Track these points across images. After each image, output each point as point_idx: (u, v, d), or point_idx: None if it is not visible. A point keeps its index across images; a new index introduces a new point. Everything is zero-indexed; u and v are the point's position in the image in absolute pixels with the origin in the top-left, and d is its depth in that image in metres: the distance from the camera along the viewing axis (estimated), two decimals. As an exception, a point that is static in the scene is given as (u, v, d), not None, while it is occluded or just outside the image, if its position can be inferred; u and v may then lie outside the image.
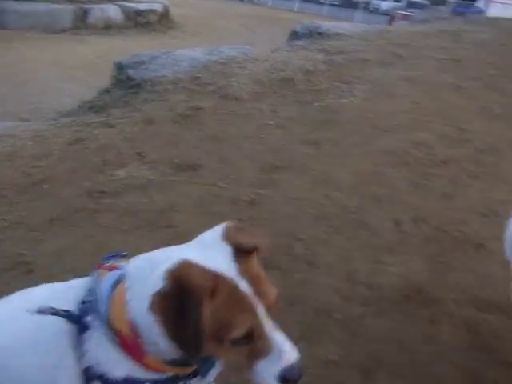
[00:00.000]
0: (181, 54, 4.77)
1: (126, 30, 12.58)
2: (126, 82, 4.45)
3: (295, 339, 0.97)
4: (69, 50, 9.49)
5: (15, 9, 11.46)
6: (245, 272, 0.91)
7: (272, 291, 0.94)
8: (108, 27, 12.51)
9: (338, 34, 6.21)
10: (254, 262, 0.95)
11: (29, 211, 2.75)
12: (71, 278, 1.10)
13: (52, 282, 1.11)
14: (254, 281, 0.91)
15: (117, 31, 12.20)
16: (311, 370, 1.59)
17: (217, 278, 0.88)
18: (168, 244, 1.02)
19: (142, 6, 14.20)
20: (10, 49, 9.08)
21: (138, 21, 13.62)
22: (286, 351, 0.92)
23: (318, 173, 3.09)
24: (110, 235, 2.55)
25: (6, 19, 11.17)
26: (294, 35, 6.91)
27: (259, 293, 0.91)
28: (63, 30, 11.55)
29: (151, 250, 1.01)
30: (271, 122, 3.69)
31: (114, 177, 3.01)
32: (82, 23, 12.34)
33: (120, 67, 4.75)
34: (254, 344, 0.91)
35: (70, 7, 12.61)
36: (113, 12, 13.36)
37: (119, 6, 13.94)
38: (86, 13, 12.72)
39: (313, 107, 3.96)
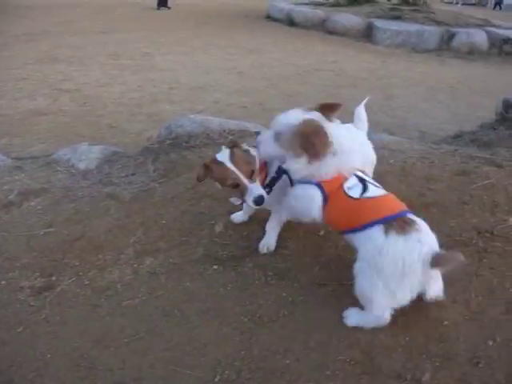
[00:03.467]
0: None
1: (490, 57, 12.08)
2: (514, 122, 4.28)
3: None
4: (431, 71, 9.72)
5: (389, 27, 12.38)
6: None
7: (247, 169, 2.41)
8: (471, 52, 12.27)
9: None
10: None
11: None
12: None
13: None
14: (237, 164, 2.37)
15: (479, 57, 11.84)
16: None
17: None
18: None
19: (511, 34, 13.36)
20: (382, 63, 9.87)
21: (503, 49, 12.90)
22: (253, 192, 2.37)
23: None
24: (501, 279, 2.54)
25: (379, 36, 12.18)
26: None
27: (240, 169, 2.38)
28: (427, 51, 11.90)
29: None
30: None
31: (505, 222, 2.96)
32: (446, 46, 12.47)
33: (507, 104, 4.60)
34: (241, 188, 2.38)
35: (438, 29, 12.88)
36: (478, 37, 12.99)
37: (486, 31, 13.46)
38: (451, 36, 12.76)
39: None
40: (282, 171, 2.58)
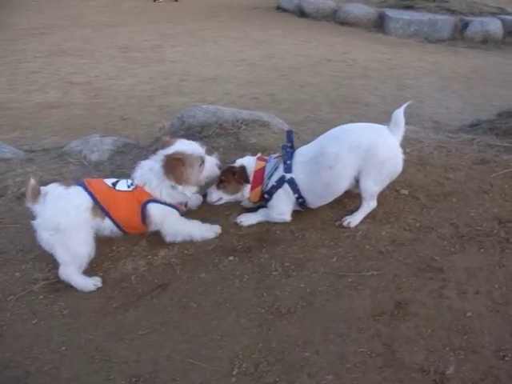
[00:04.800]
0: None
1: (504, 45, 11.83)
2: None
3: None
4: (445, 61, 9.56)
5: (401, 17, 12.19)
6: None
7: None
8: (485, 41, 12.02)
9: None
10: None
11: (439, 220, 2.89)
12: None
13: None
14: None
15: (493, 46, 11.60)
16: None
17: None
18: None
19: (526, 22, 13.07)
20: (394, 53, 9.73)
21: (519, 37, 12.63)
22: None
23: None
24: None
25: (391, 26, 12.00)
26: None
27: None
28: (440, 40, 11.69)
29: None
30: None
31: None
32: (459, 35, 12.23)
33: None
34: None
35: (451, 18, 12.63)
36: (493, 26, 12.72)
37: (501, 19, 13.18)
38: (465, 25, 12.52)
39: None
40: (282, 181, 2.75)
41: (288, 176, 2.74)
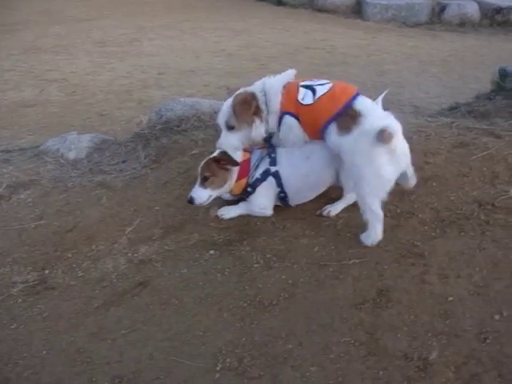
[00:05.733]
0: None
1: (481, 28, 11.90)
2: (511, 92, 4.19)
3: None
4: (423, 45, 9.58)
5: (379, 2, 12.17)
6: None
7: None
8: (462, 24, 12.08)
9: None
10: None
11: (419, 205, 2.90)
12: None
13: None
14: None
15: (471, 29, 11.66)
16: None
17: None
18: None
19: (503, 3, 13.13)
20: (373, 39, 9.72)
21: (495, 19, 12.70)
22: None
23: None
24: (505, 251, 2.48)
25: (369, 12, 11.98)
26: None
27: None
28: (418, 25, 11.71)
29: None
30: None
31: (506, 193, 2.90)
32: (437, 18, 12.26)
33: (503, 74, 4.51)
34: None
35: (428, 2, 12.64)
36: (470, 8, 12.77)
37: (478, 2, 13.23)
38: (443, 8, 12.55)
39: None
40: (267, 174, 2.71)
41: (273, 169, 2.71)
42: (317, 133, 2.61)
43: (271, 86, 2.65)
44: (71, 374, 2.04)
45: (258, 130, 2.65)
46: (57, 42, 9.51)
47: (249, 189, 2.76)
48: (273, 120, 2.66)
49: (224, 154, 2.69)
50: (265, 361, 2.00)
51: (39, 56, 8.55)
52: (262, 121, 2.63)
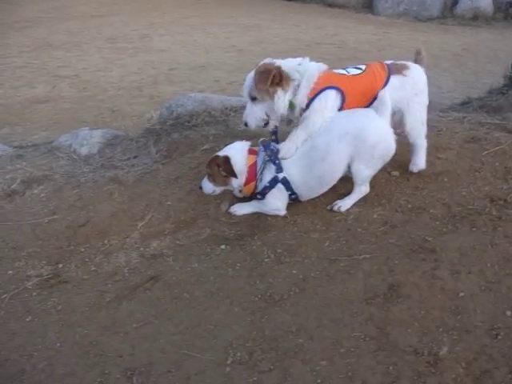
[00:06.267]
0: None
1: (495, 22, 11.75)
2: (524, 86, 4.14)
3: None
4: (435, 40, 9.49)
5: (391, -4, 12.06)
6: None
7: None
8: (475, 18, 11.94)
9: None
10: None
11: (431, 200, 2.88)
12: None
13: None
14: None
15: (484, 23, 11.52)
16: None
17: None
18: None
19: (517, -4, 12.95)
20: (384, 33, 9.65)
21: (509, 12, 12.53)
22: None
23: None
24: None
25: (380, 6, 11.90)
26: None
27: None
28: (430, 19, 11.61)
29: None
30: None
31: (518, 188, 2.87)
32: (449, 12, 12.14)
33: (517, 68, 4.45)
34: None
35: (441, -4, 12.50)
36: (483, 2, 12.62)
37: (492, -5, 13.04)
38: (455, 2, 12.42)
39: None
40: (276, 181, 2.70)
41: (281, 176, 2.71)
42: (363, 101, 2.76)
43: (308, 68, 2.70)
44: (84, 366, 2.07)
45: (281, 101, 2.63)
46: (68, 38, 9.57)
47: (258, 196, 2.77)
48: (303, 97, 2.68)
49: (225, 160, 2.69)
50: (275, 355, 2.02)
51: (51, 52, 8.61)
52: (285, 92, 2.62)
